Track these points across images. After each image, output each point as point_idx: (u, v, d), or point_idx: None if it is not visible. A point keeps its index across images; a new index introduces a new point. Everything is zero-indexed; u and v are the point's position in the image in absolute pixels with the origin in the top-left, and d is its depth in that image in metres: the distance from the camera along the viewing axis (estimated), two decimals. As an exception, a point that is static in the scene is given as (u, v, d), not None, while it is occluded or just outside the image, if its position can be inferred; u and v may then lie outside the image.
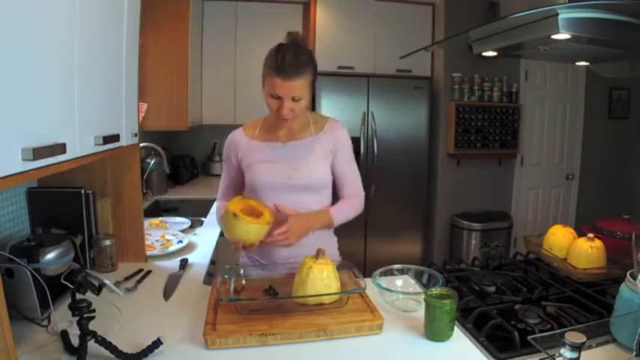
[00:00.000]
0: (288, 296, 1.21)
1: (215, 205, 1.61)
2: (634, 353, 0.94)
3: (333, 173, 1.46)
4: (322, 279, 1.16)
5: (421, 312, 1.12)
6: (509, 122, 3.59)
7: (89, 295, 1.01)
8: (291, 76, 1.26)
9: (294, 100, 1.30)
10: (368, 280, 1.31)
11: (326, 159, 1.44)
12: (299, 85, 1.28)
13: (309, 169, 1.41)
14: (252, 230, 1.22)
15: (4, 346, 0.79)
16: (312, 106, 3.45)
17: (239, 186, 1.51)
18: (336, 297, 1.18)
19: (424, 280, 1.34)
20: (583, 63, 1.77)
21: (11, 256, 1.07)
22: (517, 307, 1.24)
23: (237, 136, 1.50)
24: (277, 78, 1.27)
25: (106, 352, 0.95)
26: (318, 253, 1.21)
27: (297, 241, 1.31)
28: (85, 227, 1.47)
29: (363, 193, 1.52)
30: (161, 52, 2.86)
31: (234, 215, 1.20)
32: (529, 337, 0.97)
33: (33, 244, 1.13)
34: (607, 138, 3.94)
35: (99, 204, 1.54)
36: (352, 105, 3.40)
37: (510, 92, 3.60)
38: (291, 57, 1.26)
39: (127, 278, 1.45)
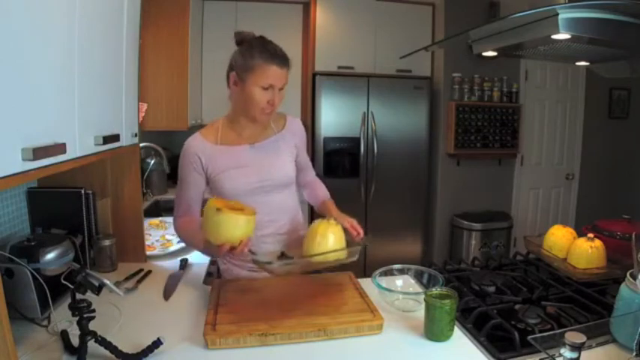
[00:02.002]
0: (308, 255, 1.22)
1: (175, 223, 1.41)
2: (634, 353, 0.94)
3: (296, 166, 1.50)
4: (338, 236, 1.23)
5: (421, 312, 1.12)
6: (509, 122, 3.59)
7: (89, 295, 1.01)
8: (284, 64, 1.30)
9: (280, 89, 1.33)
10: (368, 280, 1.32)
11: (292, 155, 1.47)
12: (287, 75, 1.33)
13: (279, 168, 1.42)
14: (240, 224, 1.09)
15: (4, 346, 0.79)
16: (312, 106, 3.46)
17: (203, 197, 1.40)
18: (345, 252, 1.23)
19: (424, 280, 1.34)
20: (583, 63, 1.77)
21: (11, 256, 1.07)
22: (517, 307, 1.24)
23: (199, 143, 1.37)
24: (273, 66, 1.28)
25: (106, 352, 0.95)
26: (329, 218, 1.27)
27: None
28: (85, 227, 1.47)
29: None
30: (161, 52, 2.86)
31: (218, 210, 1.07)
32: (529, 337, 0.97)
33: (33, 244, 1.13)
34: (607, 138, 3.94)
35: (99, 204, 1.54)
36: (352, 105, 3.40)
37: (510, 92, 3.60)
38: (279, 47, 1.31)
39: (127, 278, 1.45)
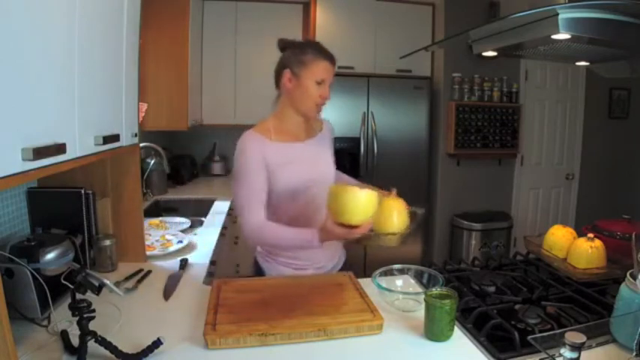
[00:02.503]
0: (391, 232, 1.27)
1: (252, 222, 1.36)
2: (634, 353, 0.94)
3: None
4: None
5: (421, 312, 1.12)
6: (509, 122, 3.59)
7: (89, 295, 1.01)
8: (333, 59, 1.43)
9: (329, 84, 1.43)
10: (368, 280, 1.32)
11: (331, 153, 1.58)
12: (334, 70, 1.44)
13: (326, 164, 1.53)
14: (376, 200, 1.16)
15: (4, 346, 0.79)
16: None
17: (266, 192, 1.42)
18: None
19: (424, 280, 1.34)
20: (583, 63, 1.77)
21: (11, 256, 1.07)
22: (517, 307, 1.24)
23: (257, 139, 1.40)
24: (326, 62, 1.40)
25: (106, 352, 0.95)
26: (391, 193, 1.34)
27: None
28: (85, 227, 1.47)
29: None
30: (161, 52, 2.86)
31: (361, 189, 1.13)
32: (529, 337, 0.97)
33: (33, 244, 1.13)
34: (607, 138, 3.94)
35: (99, 204, 1.54)
36: (352, 105, 3.40)
37: (510, 92, 3.60)
38: (324, 46, 1.43)
39: (127, 278, 1.45)
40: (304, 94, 1.40)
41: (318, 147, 1.51)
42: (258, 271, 1.58)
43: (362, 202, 1.14)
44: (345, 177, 1.68)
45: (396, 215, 1.28)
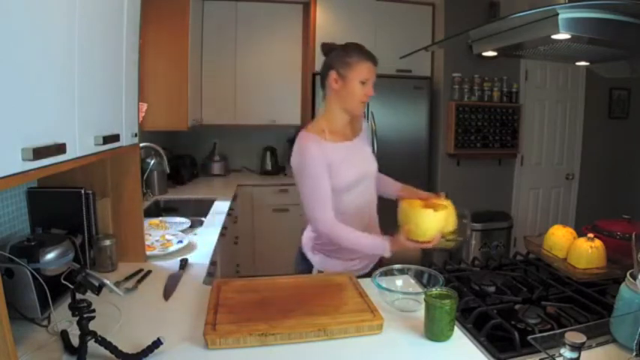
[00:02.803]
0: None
1: (326, 220, 1.45)
2: (634, 353, 0.94)
3: None
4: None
5: (421, 312, 1.12)
6: (509, 122, 3.59)
7: (89, 295, 1.01)
8: (374, 59, 1.52)
9: (372, 84, 1.52)
10: (368, 280, 1.32)
11: (371, 149, 1.69)
12: (376, 70, 1.53)
13: (371, 160, 1.64)
14: (443, 218, 1.26)
15: (4, 346, 0.79)
16: (312, 106, 3.46)
17: None
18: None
19: (424, 280, 1.34)
20: (583, 63, 1.77)
21: (11, 256, 1.07)
22: (517, 307, 1.24)
23: (318, 140, 1.48)
24: (369, 62, 1.49)
25: (106, 352, 0.95)
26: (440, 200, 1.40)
27: None
28: (85, 227, 1.47)
29: None
30: (161, 53, 2.86)
31: (435, 209, 1.24)
32: (529, 337, 0.97)
33: (33, 244, 1.13)
34: (607, 138, 3.94)
35: (99, 204, 1.54)
36: (352, 105, 3.40)
37: (510, 92, 3.60)
38: (365, 48, 1.52)
39: (127, 278, 1.45)
40: (350, 93, 1.49)
41: (362, 145, 1.63)
42: (304, 263, 1.64)
43: (434, 222, 1.26)
44: (389, 180, 1.76)
45: (448, 218, 1.35)
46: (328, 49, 1.55)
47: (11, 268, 1.06)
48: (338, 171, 1.47)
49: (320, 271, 1.59)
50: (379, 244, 1.41)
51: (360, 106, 1.53)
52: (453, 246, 1.41)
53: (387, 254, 1.40)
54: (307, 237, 1.67)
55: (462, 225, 1.39)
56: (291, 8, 3.64)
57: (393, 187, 1.72)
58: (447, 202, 1.39)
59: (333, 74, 1.50)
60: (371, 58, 1.50)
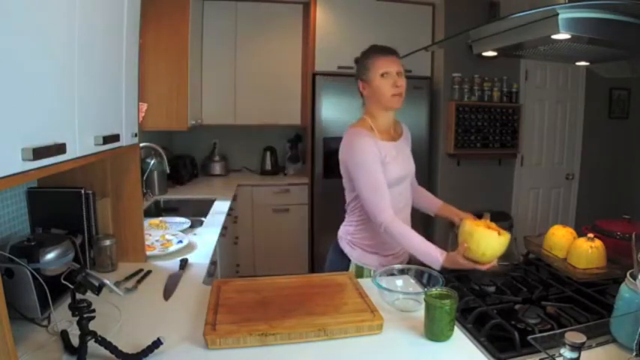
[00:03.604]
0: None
1: (386, 215, 1.46)
2: (634, 353, 0.94)
3: None
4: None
5: (421, 312, 1.12)
6: (509, 122, 3.59)
7: (89, 295, 1.01)
8: (389, 52, 1.55)
9: (398, 74, 1.52)
10: (368, 280, 1.32)
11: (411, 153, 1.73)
12: (398, 60, 1.55)
13: (411, 162, 1.70)
14: (505, 242, 1.29)
15: (4, 346, 0.79)
16: (312, 106, 3.46)
17: None
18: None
19: (424, 280, 1.34)
20: (583, 63, 1.77)
21: (11, 256, 1.07)
22: (517, 307, 1.24)
23: (371, 136, 1.53)
24: (380, 56, 1.53)
25: (106, 352, 0.95)
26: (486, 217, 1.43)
27: None
28: (85, 227, 1.47)
29: None
30: (161, 52, 2.86)
31: (500, 234, 1.28)
32: (529, 337, 0.97)
33: (33, 244, 1.13)
34: (607, 138, 3.94)
35: (99, 204, 1.54)
36: (352, 105, 3.38)
37: (510, 92, 3.60)
38: (380, 45, 1.58)
39: (127, 278, 1.45)
40: (377, 91, 1.53)
41: (404, 147, 1.68)
42: (340, 255, 1.67)
43: (495, 245, 1.28)
44: (429, 195, 1.82)
45: (506, 243, 1.36)
46: (355, 61, 1.63)
47: (11, 268, 1.06)
48: (387, 167, 1.52)
49: (358, 266, 1.62)
50: (433, 255, 1.38)
51: (393, 100, 1.53)
52: (502, 270, 1.42)
53: (437, 267, 1.36)
54: (345, 231, 1.69)
55: (509, 249, 1.40)
56: (291, 8, 3.64)
57: (433, 203, 1.77)
58: (489, 223, 1.41)
59: (360, 84, 1.59)
60: (383, 51, 1.55)
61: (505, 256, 1.38)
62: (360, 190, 1.51)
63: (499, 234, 1.29)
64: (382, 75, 1.51)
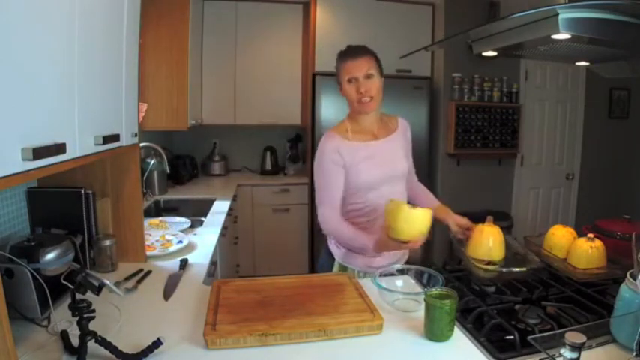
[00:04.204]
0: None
1: (326, 215, 1.52)
2: (634, 353, 0.94)
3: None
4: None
5: (421, 312, 1.12)
6: (509, 122, 3.59)
7: (89, 295, 1.01)
8: (357, 55, 1.49)
9: (367, 77, 1.47)
10: (368, 280, 1.32)
11: (404, 152, 1.66)
12: (367, 62, 1.48)
13: (400, 161, 1.62)
14: (429, 218, 1.26)
15: (4, 346, 0.79)
16: (312, 106, 3.45)
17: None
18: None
19: (424, 280, 1.34)
20: (583, 63, 1.78)
21: (11, 256, 1.07)
22: (517, 307, 1.24)
23: (337, 140, 1.53)
24: (347, 60, 1.49)
25: (106, 352, 0.95)
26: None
27: None
28: (85, 227, 1.47)
29: None
30: (161, 52, 2.86)
31: (413, 207, 1.24)
32: (529, 337, 0.97)
33: (33, 244, 1.13)
34: (607, 138, 3.93)
35: (99, 204, 1.54)
36: (352, 105, 3.40)
37: (510, 92, 3.60)
38: (354, 45, 1.54)
39: (127, 278, 1.45)
40: (347, 95, 1.53)
41: (392, 145, 1.61)
42: (328, 255, 1.67)
43: (412, 220, 1.24)
44: (430, 196, 1.76)
45: (491, 242, 1.39)
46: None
47: (11, 268, 1.06)
48: (360, 169, 1.51)
49: (342, 265, 1.62)
50: (364, 242, 1.43)
51: (360, 106, 1.51)
52: (521, 276, 1.36)
53: (370, 252, 1.44)
54: None
55: (516, 259, 1.41)
56: (291, 8, 3.64)
57: (429, 204, 1.71)
58: (491, 226, 1.46)
59: (338, 86, 1.56)
60: (349, 54, 1.50)
61: (523, 261, 1.39)
62: (315, 187, 1.57)
63: (420, 211, 1.26)
64: (349, 80, 1.49)
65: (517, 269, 1.32)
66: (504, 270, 1.33)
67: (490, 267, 1.34)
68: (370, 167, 1.52)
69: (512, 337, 1.04)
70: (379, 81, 1.52)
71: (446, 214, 1.66)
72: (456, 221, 1.61)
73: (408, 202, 1.63)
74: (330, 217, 1.52)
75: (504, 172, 3.78)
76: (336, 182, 1.52)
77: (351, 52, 1.50)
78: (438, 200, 1.76)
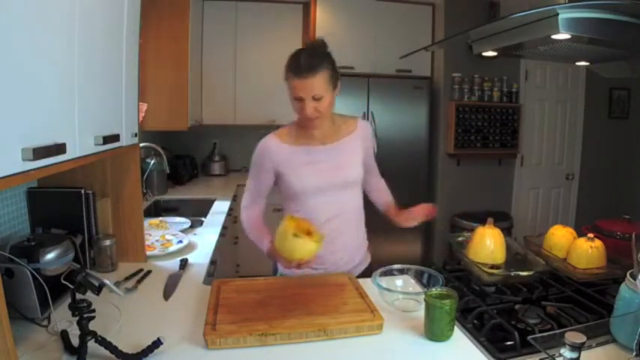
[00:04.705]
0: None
1: (242, 213, 1.54)
2: (634, 353, 0.94)
3: (364, 168, 1.57)
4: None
5: (421, 312, 1.12)
6: (509, 122, 3.59)
7: (89, 295, 1.01)
8: (306, 75, 1.30)
9: (314, 99, 1.34)
10: (368, 280, 1.32)
11: (360, 156, 1.54)
12: (317, 83, 1.32)
13: (349, 167, 1.50)
14: (312, 249, 1.21)
15: (4, 346, 0.79)
16: (312, 106, 3.45)
17: (268, 193, 1.53)
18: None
19: (424, 280, 1.34)
20: (583, 63, 1.78)
21: (11, 256, 1.07)
22: (517, 307, 1.24)
23: (273, 143, 1.47)
24: (295, 79, 1.32)
25: (106, 352, 0.95)
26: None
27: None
28: (85, 227, 1.47)
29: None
30: (161, 52, 2.86)
31: (295, 236, 1.18)
32: (529, 337, 0.97)
33: (33, 244, 1.13)
34: (607, 138, 3.94)
35: (99, 204, 1.54)
36: (352, 105, 3.40)
37: (510, 92, 3.60)
38: (306, 57, 1.33)
39: (127, 278, 1.45)
40: (293, 108, 1.41)
41: (343, 150, 1.49)
42: (275, 266, 1.65)
43: (289, 247, 1.20)
44: (388, 199, 1.66)
45: (493, 244, 1.38)
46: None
47: (11, 268, 1.06)
48: (298, 175, 1.44)
49: (283, 275, 1.54)
50: (261, 245, 1.44)
51: (307, 123, 1.40)
52: (527, 280, 1.34)
53: (267, 256, 1.43)
54: None
55: (516, 259, 1.41)
56: (291, 8, 3.64)
57: (385, 204, 1.65)
58: (491, 228, 1.42)
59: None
60: (298, 72, 1.31)
61: (524, 261, 1.39)
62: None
63: (296, 235, 1.19)
64: (295, 98, 1.36)
65: (524, 273, 1.31)
66: (512, 274, 1.32)
67: (495, 271, 1.33)
68: (309, 174, 1.44)
69: (512, 337, 1.04)
70: (330, 96, 1.37)
71: (395, 214, 1.57)
72: (407, 217, 1.50)
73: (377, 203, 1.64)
74: (245, 218, 1.52)
75: (504, 172, 3.78)
76: (261, 185, 1.49)
77: (301, 70, 1.31)
78: (392, 201, 1.65)
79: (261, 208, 1.54)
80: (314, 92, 1.33)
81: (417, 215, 1.48)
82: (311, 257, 1.22)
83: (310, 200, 1.45)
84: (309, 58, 1.33)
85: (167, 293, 1.35)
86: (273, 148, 1.46)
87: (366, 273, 1.55)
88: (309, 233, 1.23)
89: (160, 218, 2.26)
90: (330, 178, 1.45)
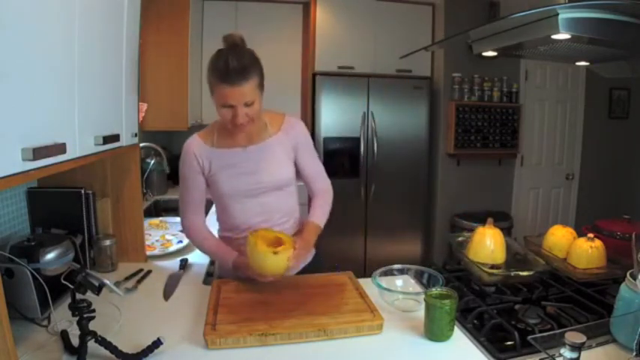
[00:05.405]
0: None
1: (183, 223, 1.44)
2: (634, 353, 0.94)
3: (298, 169, 1.47)
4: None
5: (421, 312, 1.12)
6: (509, 122, 3.59)
7: (89, 295, 1.01)
8: (239, 82, 1.20)
9: (246, 105, 1.24)
10: (368, 280, 1.32)
11: (289, 157, 1.43)
12: (249, 89, 1.22)
13: (274, 169, 1.40)
14: (285, 264, 1.23)
15: (4, 346, 0.79)
16: (312, 106, 3.46)
17: (205, 196, 1.44)
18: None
19: (424, 280, 1.34)
20: (583, 63, 1.77)
21: (11, 256, 1.07)
22: (517, 307, 1.24)
23: (197, 144, 1.38)
24: (225, 86, 1.21)
25: (106, 352, 0.95)
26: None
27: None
28: (85, 227, 1.47)
29: (329, 182, 1.55)
30: (161, 52, 2.86)
31: (265, 252, 1.19)
32: (529, 337, 0.97)
33: (33, 244, 1.13)
34: (607, 138, 3.94)
35: (99, 204, 1.54)
36: (352, 105, 3.40)
37: (510, 92, 3.60)
38: (235, 61, 1.20)
39: (127, 278, 1.45)
40: (219, 116, 1.29)
41: (265, 152, 1.39)
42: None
43: (270, 265, 1.22)
44: (311, 207, 1.50)
45: (493, 244, 1.38)
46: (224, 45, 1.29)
47: (11, 268, 1.06)
48: (220, 178, 1.37)
49: (219, 276, 1.50)
50: (224, 258, 1.36)
51: (233, 127, 1.28)
52: (527, 280, 1.34)
53: (231, 270, 1.36)
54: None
55: (516, 259, 1.40)
56: (291, 8, 3.63)
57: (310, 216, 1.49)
58: (491, 228, 1.42)
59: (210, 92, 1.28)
60: (227, 78, 1.19)
61: (524, 261, 1.38)
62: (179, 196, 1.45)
63: (276, 252, 1.20)
64: (223, 106, 1.25)
65: (524, 273, 1.31)
66: (512, 274, 1.32)
67: (496, 271, 1.33)
68: (230, 177, 1.37)
69: (512, 337, 1.04)
70: (260, 99, 1.29)
71: (299, 233, 1.43)
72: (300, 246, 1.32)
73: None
74: (189, 227, 1.42)
75: (504, 172, 3.78)
76: (196, 190, 1.39)
77: (231, 77, 1.19)
78: (319, 218, 1.47)
79: (203, 218, 1.45)
80: (246, 99, 1.23)
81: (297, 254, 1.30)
82: (283, 272, 1.24)
83: (235, 204, 1.39)
84: (238, 62, 1.20)
85: (167, 293, 1.35)
86: (197, 149, 1.37)
87: (318, 268, 1.51)
88: (277, 241, 1.25)
89: (160, 218, 2.26)
90: (249, 184, 1.37)
